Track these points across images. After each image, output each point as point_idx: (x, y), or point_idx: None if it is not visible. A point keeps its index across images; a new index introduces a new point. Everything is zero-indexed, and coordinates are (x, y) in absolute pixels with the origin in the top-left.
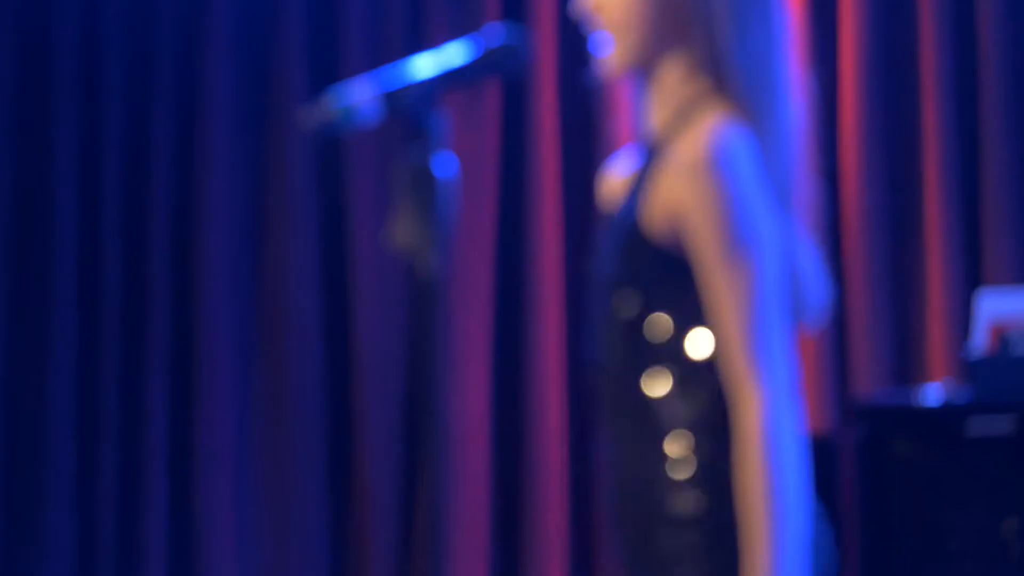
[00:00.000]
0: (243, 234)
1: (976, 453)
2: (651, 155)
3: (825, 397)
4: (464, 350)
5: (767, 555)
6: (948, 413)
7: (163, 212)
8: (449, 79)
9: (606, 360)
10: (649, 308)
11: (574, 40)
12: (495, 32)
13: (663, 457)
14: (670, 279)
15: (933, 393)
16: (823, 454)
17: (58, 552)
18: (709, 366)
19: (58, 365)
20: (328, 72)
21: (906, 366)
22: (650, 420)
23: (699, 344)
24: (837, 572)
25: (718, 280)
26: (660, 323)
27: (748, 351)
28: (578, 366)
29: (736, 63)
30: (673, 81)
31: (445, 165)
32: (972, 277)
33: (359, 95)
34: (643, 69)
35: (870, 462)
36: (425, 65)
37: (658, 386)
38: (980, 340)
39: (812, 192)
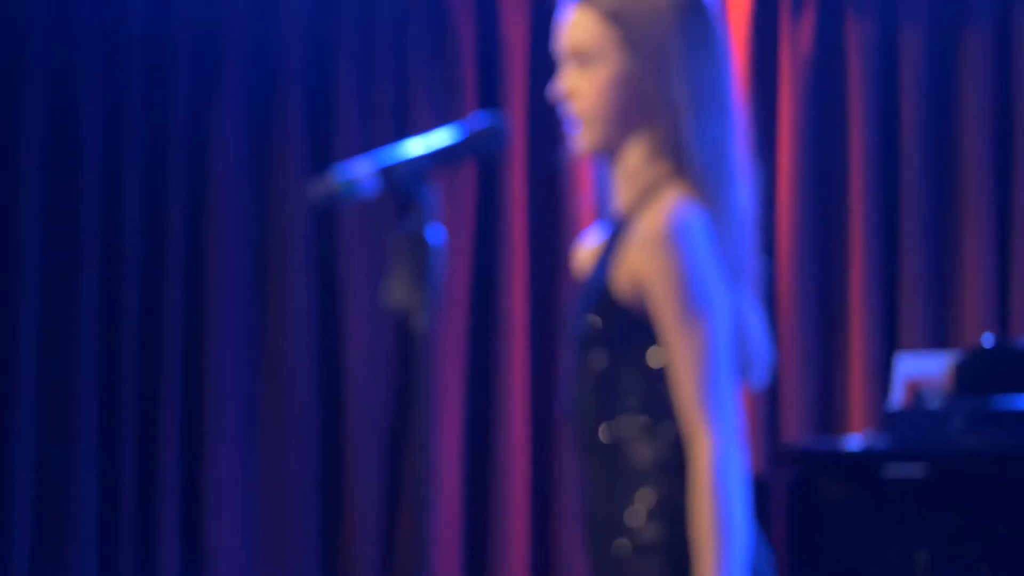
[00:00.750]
0: (248, 294)
1: (893, 494)
2: (617, 228)
3: (759, 442)
4: (441, 396)
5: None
6: (868, 458)
7: (177, 277)
8: (439, 157)
9: (579, 408)
10: (617, 362)
11: (542, 124)
12: (478, 119)
13: (630, 492)
14: (635, 337)
15: (855, 441)
16: (756, 492)
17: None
18: (669, 414)
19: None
20: (324, 153)
21: (831, 418)
22: (618, 460)
23: (660, 394)
24: None
25: (676, 340)
26: (626, 375)
27: (702, 402)
28: (541, 408)
29: (695, 150)
30: (637, 162)
31: (434, 234)
32: (889, 341)
33: (359, 171)
34: (610, 151)
35: (798, 500)
36: (417, 146)
37: (625, 431)
38: (897, 396)
39: (758, 265)
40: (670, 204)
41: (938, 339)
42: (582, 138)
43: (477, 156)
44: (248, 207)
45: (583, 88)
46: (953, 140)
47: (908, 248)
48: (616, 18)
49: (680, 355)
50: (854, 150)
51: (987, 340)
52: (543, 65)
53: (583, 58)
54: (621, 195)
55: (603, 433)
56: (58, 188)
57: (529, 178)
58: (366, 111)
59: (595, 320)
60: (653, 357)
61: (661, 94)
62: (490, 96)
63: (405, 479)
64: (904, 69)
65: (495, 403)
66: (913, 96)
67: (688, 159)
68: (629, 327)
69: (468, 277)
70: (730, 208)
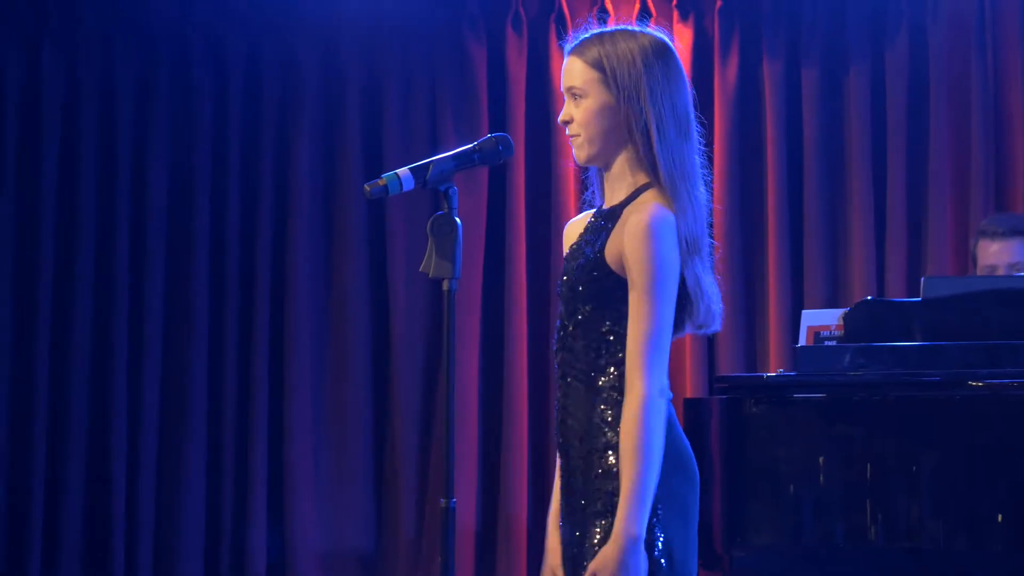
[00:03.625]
0: (320, 267)
1: (800, 412)
2: (608, 218)
3: (702, 373)
4: (462, 343)
5: (633, 483)
6: (782, 385)
7: (266, 258)
8: (457, 161)
9: (571, 344)
10: (601, 312)
11: (538, 140)
12: (491, 136)
13: (603, 408)
14: (616, 294)
15: (773, 374)
16: (699, 410)
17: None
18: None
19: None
20: (376, 163)
21: (754, 358)
22: (595, 381)
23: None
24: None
25: (636, 305)
26: (607, 321)
27: (642, 354)
28: (538, 353)
29: (663, 164)
30: (622, 172)
31: (458, 219)
32: (797, 301)
33: (401, 170)
34: (599, 162)
35: (729, 417)
36: (442, 154)
37: (602, 361)
38: (803, 340)
39: (710, 245)
40: (651, 208)
41: (833, 299)
42: (577, 151)
43: (488, 162)
44: (320, 200)
45: (577, 116)
46: (842, 149)
47: (810, 232)
48: (598, 65)
49: (637, 317)
50: (769, 160)
51: (868, 299)
52: (537, 97)
53: (576, 94)
54: (609, 194)
55: (587, 363)
56: (178, 196)
57: (527, 180)
58: (407, 131)
59: (589, 282)
60: (625, 312)
61: (635, 121)
62: (499, 120)
63: (437, 406)
64: (805, 98)
65: (504, 349)
66: (812, 118)
67: (658, 170)
68: (612, 288)
69: (482, 254)
70: (691, 203)
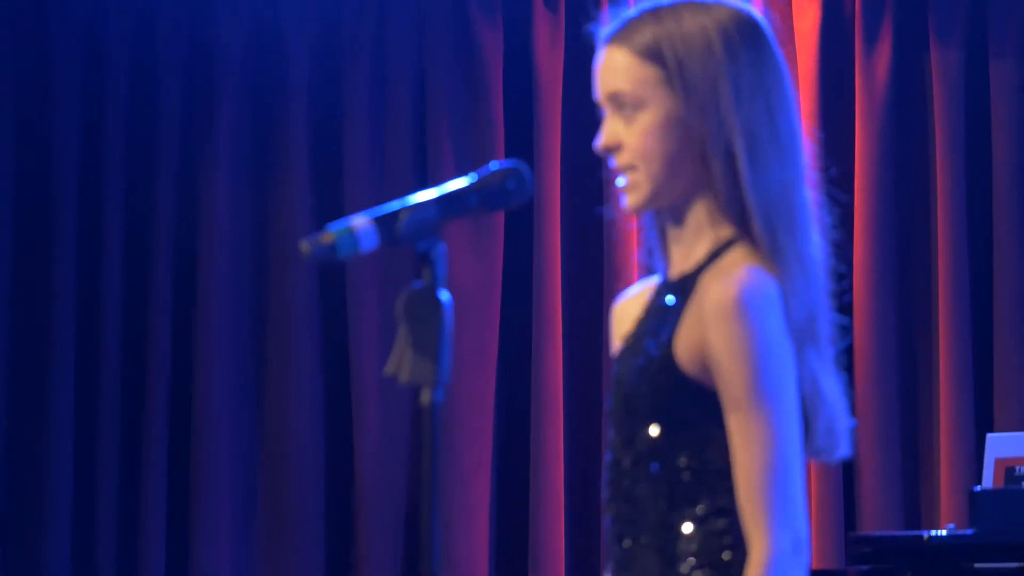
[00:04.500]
0: (244, 362)
1: None
2: (678, 292)
3: (832, 533)
4: (468, 477)
5: None
6: (955, 549)
7: (164, 339)
8: (444, 207)
9: (628, 489)
10: (673, 438)
11: (580, 170)
12: (495, 166)
13: None
14: (695, 411)
15: (940, 532)
16: None
17: None
18: (729, 504)
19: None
20: (332, 204)
21: (915, 506)
22: (670, 546)
23: (719, 476)
24: None
25: (742, 426)
26: (681, 454)
27: (765, 498)
28: (579, 489)
29: (755, 203)
30: (699, 221)
31: (445, 294)
32: (982, 418)
33: (358, 221)
34: (663, 207)
35: None
36: (423, 195)
37: (676, 514)
38: (988, 478)
39: (833, 326)
40: (741, 274)
41: None
42: (630, 195)
43: (494, 206)
44: (245, 266)
45: (626, 138)
46: None
47: (1003, 307)
48: (655, 55)
49: (745, 443)
50: (940, 197)
51: None
52: (579, 104)
53: (622, 104)
54: (678, 256)
55: (655, 517)
56: (28, 244)
57: (564, 233)
58: (379, 157)
59: (651, 390)
60: (713, 432)
61: (714, 138)
62: (522, 139)
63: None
64: (995, 102)
65: (529, 491)
66: (1006, 132)
67: (750, 214)
68: (688, 399)
69: (496, 346)
70: (800, 264)
